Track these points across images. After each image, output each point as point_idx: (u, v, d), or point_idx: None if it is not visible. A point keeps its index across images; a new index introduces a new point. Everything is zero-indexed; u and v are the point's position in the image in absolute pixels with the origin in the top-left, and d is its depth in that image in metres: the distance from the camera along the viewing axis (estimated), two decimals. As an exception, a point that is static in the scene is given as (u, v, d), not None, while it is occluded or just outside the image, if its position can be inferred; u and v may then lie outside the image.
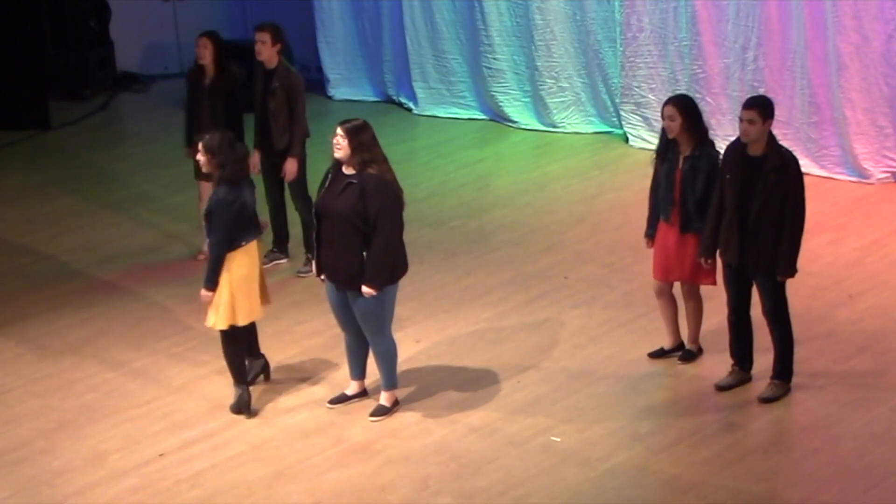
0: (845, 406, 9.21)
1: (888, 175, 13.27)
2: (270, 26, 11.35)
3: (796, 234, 9.01)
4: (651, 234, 9.74)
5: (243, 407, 9.35)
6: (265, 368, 9.75)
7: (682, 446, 8.81)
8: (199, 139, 9.30)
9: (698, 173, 9.35)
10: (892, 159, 13.25)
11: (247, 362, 9.58)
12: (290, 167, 11.29)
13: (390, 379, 9.32)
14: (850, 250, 11.70)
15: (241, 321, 9.19)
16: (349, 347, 9.40)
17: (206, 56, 11.54)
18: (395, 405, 9.35)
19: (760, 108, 8.96)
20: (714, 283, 9.55)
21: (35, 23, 16.44)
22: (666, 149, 9.50)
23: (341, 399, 9.46)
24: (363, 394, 9.48)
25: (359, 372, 9.45)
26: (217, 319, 9.12)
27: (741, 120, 8.95)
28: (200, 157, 9.20)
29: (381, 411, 9.30)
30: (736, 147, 9.08)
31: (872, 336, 10.16)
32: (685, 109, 9.36)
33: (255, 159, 11.27)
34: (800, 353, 9.80)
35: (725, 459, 8.63)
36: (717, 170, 9.30)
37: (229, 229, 8.99)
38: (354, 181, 8.82)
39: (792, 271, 9.07)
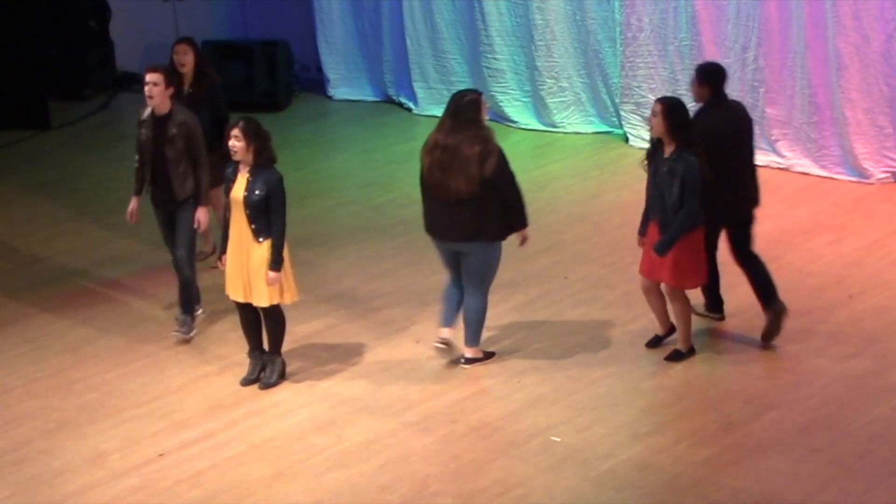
0: (845, 406, 9.21)
1: (888, 175, 13.27)
2: (164, 68, 10.43)
3: None
4: (643, 231, 9.81)
5: (283, 374, 9.81)
6: (284, 366, 9.88)
7: (682, 446, 8.81)
8: (232, 124, 9.37)
9: (674, 178, 9.40)
10: (892, 159, 13.25)
11: (259, 362, 9.81)
12: (203, 216, 10.41)
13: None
14: (850, 250, 11.70)
15: (297, 296, 9.67)
16: None
17: (188, 62, 11.46)
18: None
19: (696, 71, 10.15)
20: (699, 284, 9.63)
21: (35, 23, 16.42)
22: (655, 150, 9.57)
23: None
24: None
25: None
26: (286, 294, 9.55)
27: None
28: (236, 142, 9.26)
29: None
30: None
31: (872, 336, 10.16)
32: (670, 110, 9.46)
33: (133, 207, 10.62)
34: (800, 353, 9.87)
35: (725, 459, 8.63)
36: (693, 176, 9.35)
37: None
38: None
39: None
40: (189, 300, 10.48)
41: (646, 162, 9.70)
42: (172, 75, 10.50)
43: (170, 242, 10.56)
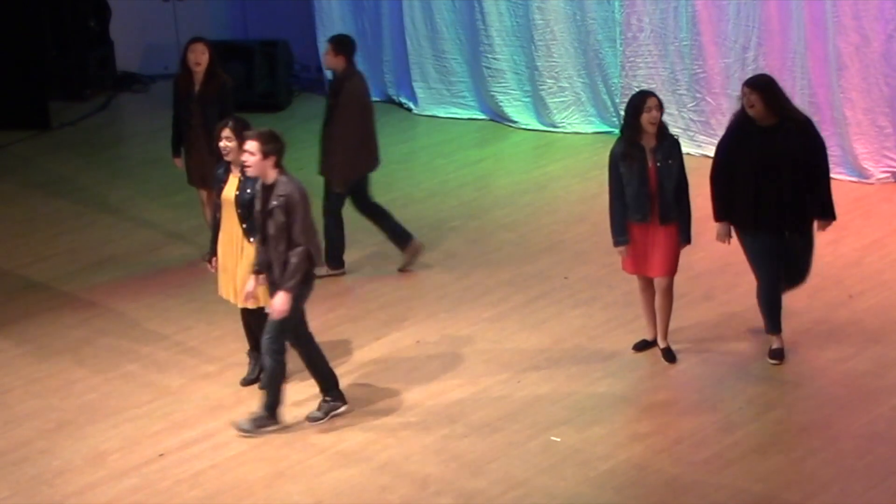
0: (845, 406, 9.21)
1: (888, 175, 13.27)
2: (262, 135, 8.99)
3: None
4: (626, 240, 9.72)
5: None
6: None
7: (682, 446, 8.81)
8: (222, 125, 9.35)
9: (673, 161, 9.50)
10: (892, 159, 13.25)
11: (259, 362, 9.68)
12: (282, 304, 8.91)
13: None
14: (850, 250, 11.69)
15: None
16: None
17: (203, 62, 11.46)
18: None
19: (333, 42, 11.30)
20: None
21: (35, 23, 16.43)
22: (630, 149, 9.53)
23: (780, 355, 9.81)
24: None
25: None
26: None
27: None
28: (227, 143, 9.26)
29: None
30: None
31: (872, 336, 10.16)
32: (661, 102, 9.59)
33: (251, 287, 9.20)
34: (800, 353, 9.84)
35: (725, 459, 8.63)
36: (682, 156, 9.65)
37: None
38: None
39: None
40: (324, 378, 9.27)
41: (621, 163, 9.61)
42: (270, 141, 8.94)
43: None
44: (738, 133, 9.44)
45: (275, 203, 8.87)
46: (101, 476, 8.73)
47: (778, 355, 9.76)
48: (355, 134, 11.32)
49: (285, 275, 8.87)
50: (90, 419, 9.44)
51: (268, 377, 9.11)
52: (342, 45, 11.33)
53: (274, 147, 8.90)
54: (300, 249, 8.85)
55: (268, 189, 8.95)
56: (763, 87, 9.40)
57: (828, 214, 9.59)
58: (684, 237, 9.65)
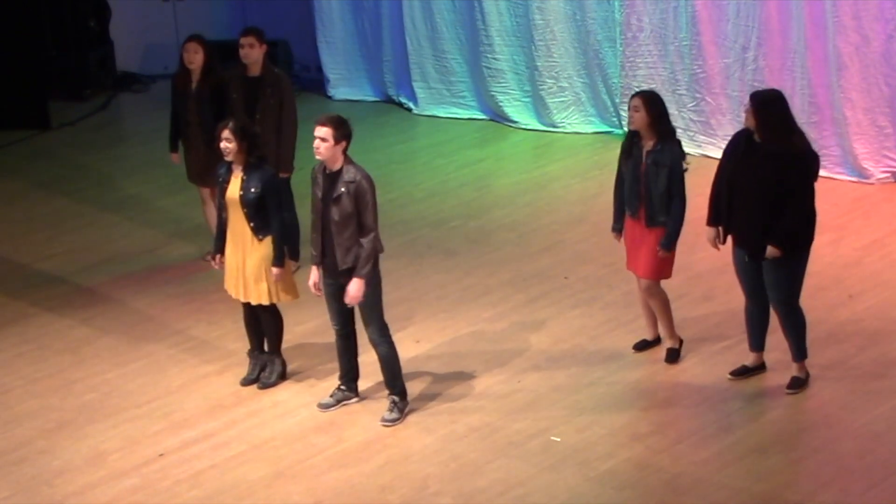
0: (845, 406, 9.21)
1: (888, 175, 13.27)
2: (333, 120, 8.91)
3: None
4: (618, 227, 9.82)
5: (283, 374, 9.81)
6: (284, 366, 9.88)
7: (682, 446, 8.81)
8: (223, 125, 9.39)
9: (661, 167, 9.45)
10: (892, 159, 13.26)
11: (259, 361, 9.82)
12: (355, 290, 8.97)
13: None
14: (850, 250, 11.70)
15: (296, 295, 9.64)
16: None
17: (196, 61, 11.51)
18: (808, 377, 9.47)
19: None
20: (669, 275, 9.74)
21: (35, 23, 16.44)
22: (631, 145, 9.56)
23: (742, 371, 9.60)
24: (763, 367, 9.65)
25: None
26: (282, 294, 9.52)
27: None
28: (227, 143, 9.28)
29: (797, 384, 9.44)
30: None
31: (872, 336, 10.16)
32: (650, 102, 9.46)
33: (315, 278, 9.19)
34: (800, 353, 9.85)
35: (725, 459, 8.63)
36: (680, 164, 9.45)
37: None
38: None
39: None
40: (393, 377, 9.30)
41: (621, 156, 9.67)
42: (342, 126, 8.89)
43: (336, 317, 9.29)
44: (738, 140, 9.32)
45: (342, 190, 8.89)
46: (101, 476, 8.73)
47: (740, 372, 9.60)
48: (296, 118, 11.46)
49: (360, 262, 8.92)
50: (90, 419, 9.44)
51: (387, 363, 9.25)
52: (262, 34, 11.37)
53: (345, 132, 8.88)
54: (372, 236, 8.94)
55: (333, 176, 8.94)
56: (758, 102, 9.04)
57: (779, 244, 9.04)
58: (664, 243, 9.53)
